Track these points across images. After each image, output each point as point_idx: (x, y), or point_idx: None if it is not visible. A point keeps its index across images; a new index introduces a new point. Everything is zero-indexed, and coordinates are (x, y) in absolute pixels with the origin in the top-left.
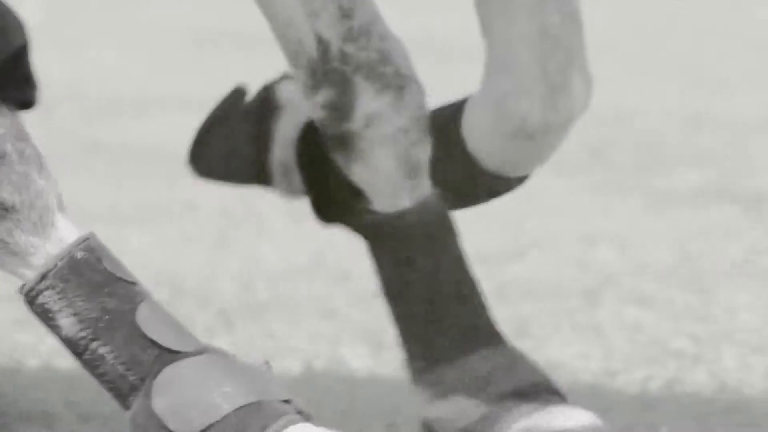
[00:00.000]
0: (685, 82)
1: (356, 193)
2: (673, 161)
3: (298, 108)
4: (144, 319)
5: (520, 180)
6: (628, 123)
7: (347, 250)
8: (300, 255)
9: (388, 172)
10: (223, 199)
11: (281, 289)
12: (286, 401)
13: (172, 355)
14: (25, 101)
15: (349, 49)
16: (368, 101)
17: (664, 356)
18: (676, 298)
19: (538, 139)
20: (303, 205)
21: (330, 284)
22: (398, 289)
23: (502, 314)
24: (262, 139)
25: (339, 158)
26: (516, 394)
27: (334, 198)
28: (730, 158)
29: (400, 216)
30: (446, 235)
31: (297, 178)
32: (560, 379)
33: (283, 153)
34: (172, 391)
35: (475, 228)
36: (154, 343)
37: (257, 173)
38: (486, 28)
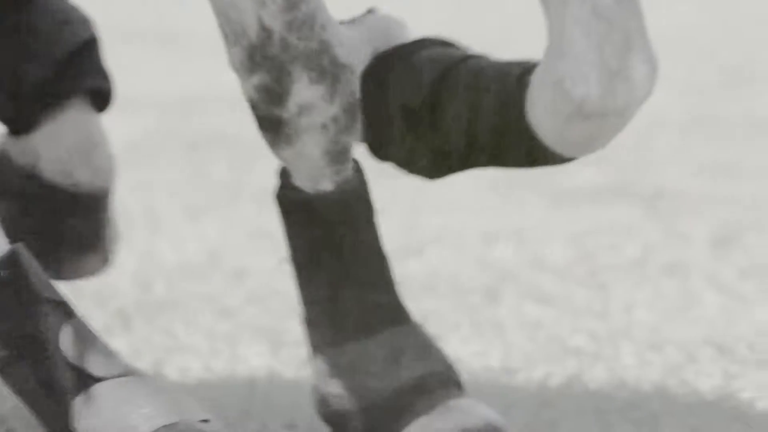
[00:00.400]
0: None
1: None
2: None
3: (357, 50)
4: (67, 342)
5: (571, 158)
6: None
7: (244, 248)
8: (197, 253)
9: (314, 157)
10: (119, 197)
11: (178, 287)
12: (205, 420)
13: (93, 380)
14: (99, 90)
15: (291, 38)
16: (302, 90)
17: (564, 353)
18: (575, 295)
19: (596, 123)
20: (199, 203)
21: (228, 282)
22: (311, 265)
23: None
24: None
25: (266, 137)
26: (418, 382)
27: (391, 136)
28: (628, 156)
29: (321, 197)
30: (364, 215)
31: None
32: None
33: None
34: (91, 413)
35: None
36: (75, 367)
37: None
38: (545, 10)
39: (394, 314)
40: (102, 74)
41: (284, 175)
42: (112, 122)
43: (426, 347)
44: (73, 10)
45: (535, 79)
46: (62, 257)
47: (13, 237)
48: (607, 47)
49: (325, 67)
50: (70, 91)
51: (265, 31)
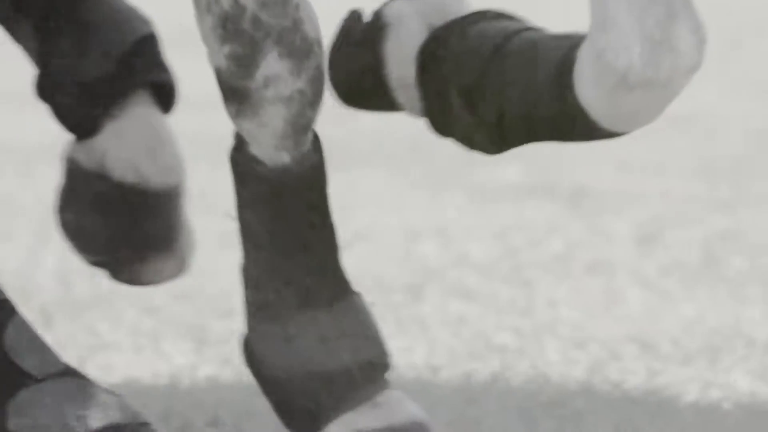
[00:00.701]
0: None
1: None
2: (494, 156)
3: (407, 23)
4: (10, 341)
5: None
6: None
7: None
8: None
9: (276, 129)
10: (41, 193)
11: (102, 284)
12: (144, 424)
13: (32, 380)
14: (161, 85)
15: (263, 16)
16: (272, 63)
17: (488, 350)
18: (499, 292)
19: (641, 95)
20: None
21: None
22: (260, 232)
23: None
24: (376, 62)
25: (229, 108)
26: (348, 371)
27: (449, 111)
28: (550, 153)
29: (279, 169)
30: (318, 189)
31: (416, 95)
32: None
33: (399, 71)
34: (28, 413)
35: None
36: (16, 366)
37: (380, 98)
38: None
39: (339, 288)
40: (162, 68)
41: (240, 138)
42: (33, 121)
43: (362, 327)
44: (129, 8)
45: (581, 53)
46: (137, 260)
47: (85, 243)
48: (649, 17)
49: (296, 44)
50: (131, 86)
51: (239, 7)
